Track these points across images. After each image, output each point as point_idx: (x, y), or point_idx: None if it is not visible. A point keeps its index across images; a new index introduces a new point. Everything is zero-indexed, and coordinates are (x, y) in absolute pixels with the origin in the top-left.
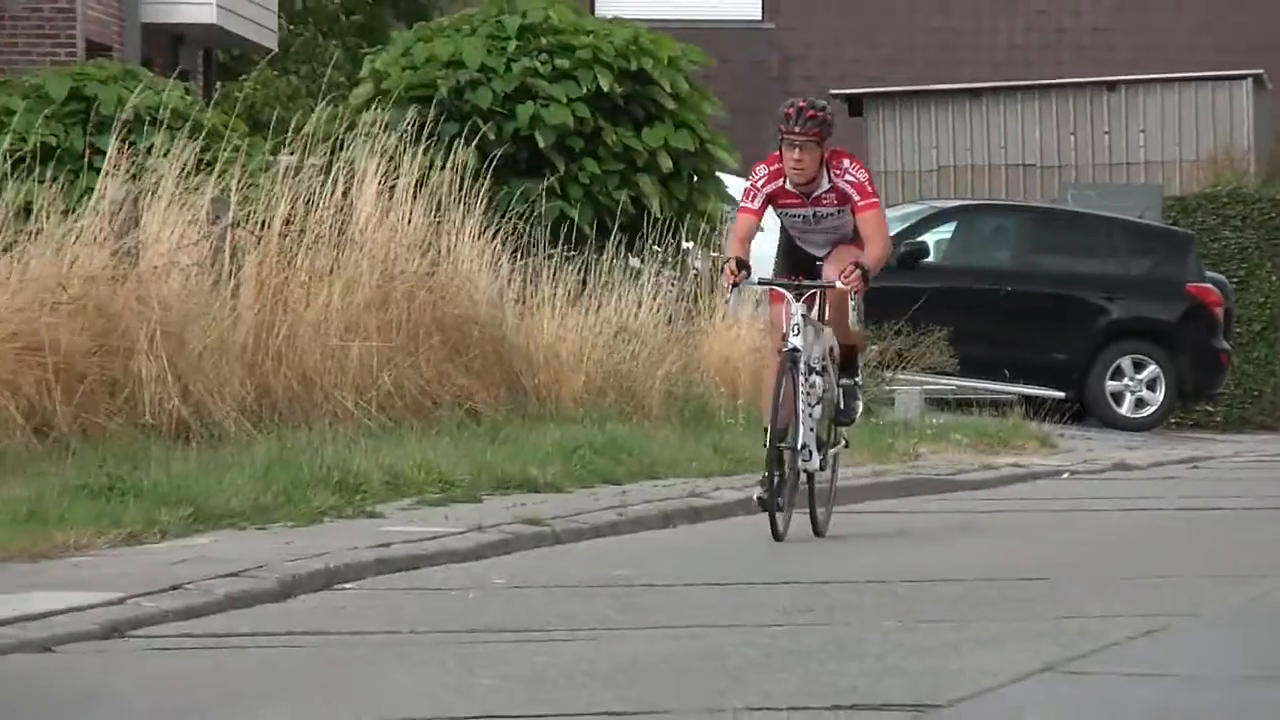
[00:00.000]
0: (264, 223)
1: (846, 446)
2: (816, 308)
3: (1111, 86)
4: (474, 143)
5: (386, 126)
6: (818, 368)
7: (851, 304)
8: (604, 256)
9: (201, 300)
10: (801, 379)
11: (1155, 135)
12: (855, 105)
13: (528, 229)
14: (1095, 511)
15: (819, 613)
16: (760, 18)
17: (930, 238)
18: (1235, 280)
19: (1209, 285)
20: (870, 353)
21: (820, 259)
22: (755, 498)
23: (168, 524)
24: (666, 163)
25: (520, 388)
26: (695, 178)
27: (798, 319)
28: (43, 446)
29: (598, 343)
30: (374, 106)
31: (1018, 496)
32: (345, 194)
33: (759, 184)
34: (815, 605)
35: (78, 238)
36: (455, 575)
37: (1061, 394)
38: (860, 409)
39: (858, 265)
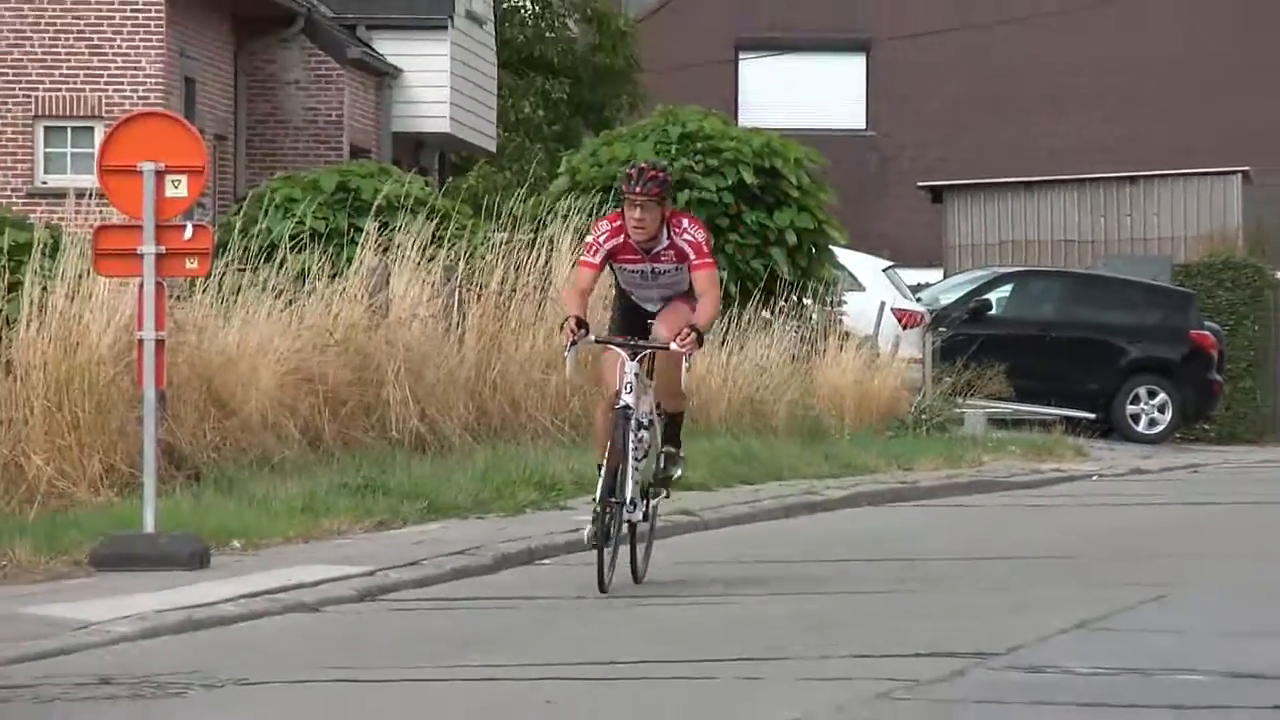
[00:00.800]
0: (484, 284)
1: (668, 496)
2: (648, 366)
3: (1133, 180)
4: None
5: (578, 210)
6: (645, 422)
7: (686, 365)
8: (744, 311)
9: (436, 343)
10: (631, 435)
11: (1166, 217)
12: (937, 194)
13: None
14: (1117, 506)
15: (906, 583)
16: (864, 127)
17: (993, 295)
18: (1226, 328)
19: (1207, 332)
20: (944, 383)
21: (653, 315)
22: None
23: (408, 514)
24: (792, 239)
25: None
26: (814, 250)
27: (630, 377)
28: (314, 455)
29: (738, 376)
30: (568, 195)
31: (1058, 494)
32: (546, 262)
33: (601, 239)
34: (904, 578)
35: (342, 295)
36: (627, 554)
37: (1092, 415)
38: (678, 475)
39: (693, 329)
